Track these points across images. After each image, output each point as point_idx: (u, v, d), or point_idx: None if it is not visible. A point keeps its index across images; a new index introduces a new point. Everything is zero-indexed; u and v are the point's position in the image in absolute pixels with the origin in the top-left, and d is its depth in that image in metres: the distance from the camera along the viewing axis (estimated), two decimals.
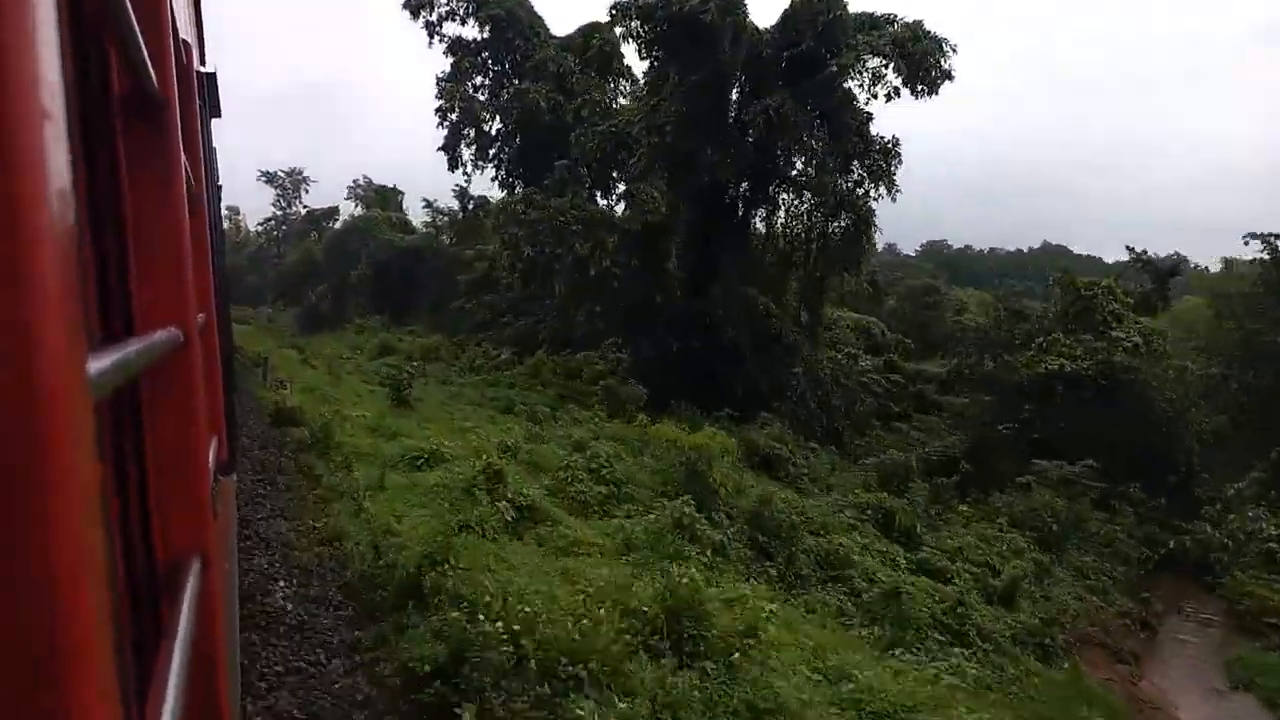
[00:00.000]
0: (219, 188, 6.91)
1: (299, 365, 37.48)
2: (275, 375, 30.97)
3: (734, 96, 31.41)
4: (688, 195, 30.72)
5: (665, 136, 29.42)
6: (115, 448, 1.09)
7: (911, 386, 36.25)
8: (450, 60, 44.66)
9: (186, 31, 2.24)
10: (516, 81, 43.43)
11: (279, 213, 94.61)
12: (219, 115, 5.47)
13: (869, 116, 31.41)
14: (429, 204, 69.85)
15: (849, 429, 30.65)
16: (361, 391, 30.53)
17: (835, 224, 32.56)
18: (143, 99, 1.33)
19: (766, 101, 28.69)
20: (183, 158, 1.57)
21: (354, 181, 77.09)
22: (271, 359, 33.31)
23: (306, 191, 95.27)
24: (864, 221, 31.24)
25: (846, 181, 31.55)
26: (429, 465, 17.13)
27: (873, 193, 31.93)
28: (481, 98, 44.50)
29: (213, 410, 2.47)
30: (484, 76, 45.74)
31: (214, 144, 5.45)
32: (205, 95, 3.89)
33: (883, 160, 31.66)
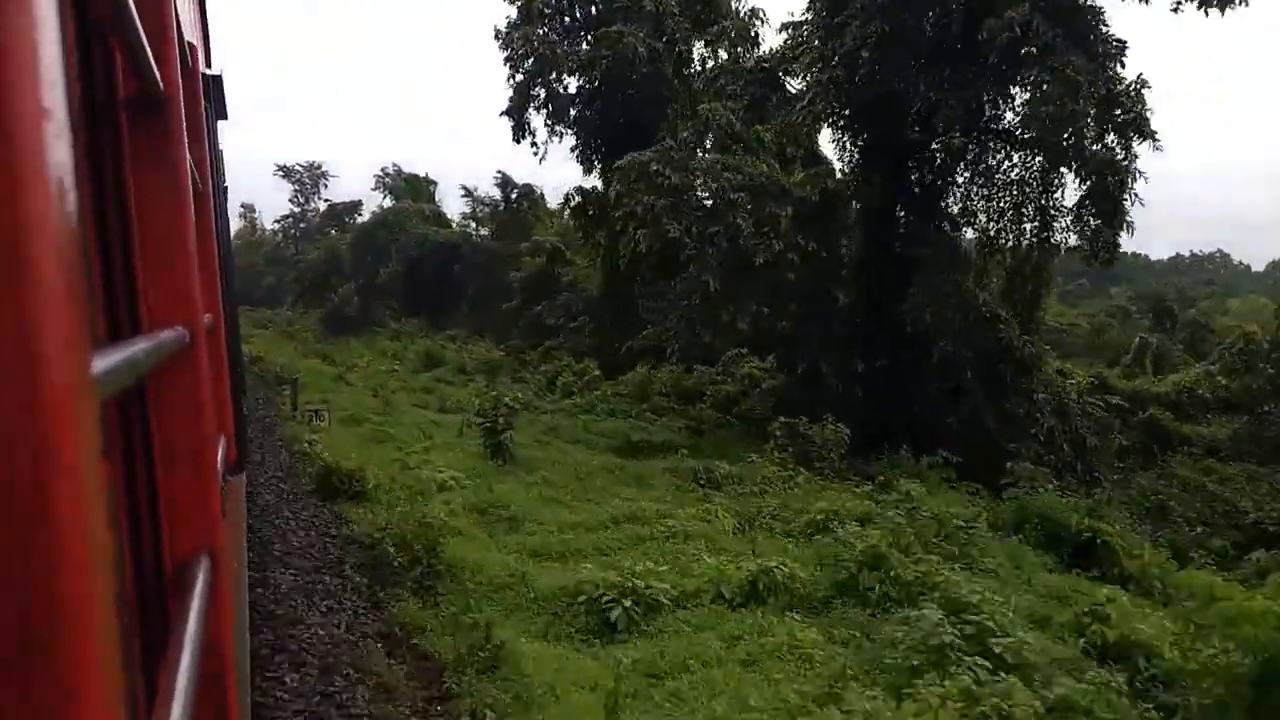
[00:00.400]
0: (225, 189, 6.53)
1: (332, 382, 29.73)
2: (307, 401, 23.13)
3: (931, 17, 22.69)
4: (876, 151, 22.15)
5: (857, 68, 20.72)
6: (123, 447, 1.09)
7: (1141, 412, 27.41)
8: (515, 6, 36.15)
9: (191, 34, 2.21)
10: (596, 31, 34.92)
11: (296, 209, 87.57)
12: (225, 117, 5.16)
13: (1123, 45, 22.65)
14: (468, 193, 62.29)
15: (1107, 478, 21.86)
16: (424, 424, 22.27)
17: (1060, 192, 23.93)
18: (148, 101, 1.34)
19: (1010, 15, 20.03)
20: (188, 159, 1.56)
21: (381, 170, 69.14)
22: (300, 378, 25.69)
23: (326, 186, 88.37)
24: (1120, 186, 22.46)
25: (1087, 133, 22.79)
26: (636, 624, 8.69)
27: (1119, 150, 23.23)
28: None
29: (221, 410, 2.41)
30: (553, 30, 37.25)
31: (220, 145, 5.30)
32: (211, 97, 3.73)
33: (1133, 105, 22.93)
